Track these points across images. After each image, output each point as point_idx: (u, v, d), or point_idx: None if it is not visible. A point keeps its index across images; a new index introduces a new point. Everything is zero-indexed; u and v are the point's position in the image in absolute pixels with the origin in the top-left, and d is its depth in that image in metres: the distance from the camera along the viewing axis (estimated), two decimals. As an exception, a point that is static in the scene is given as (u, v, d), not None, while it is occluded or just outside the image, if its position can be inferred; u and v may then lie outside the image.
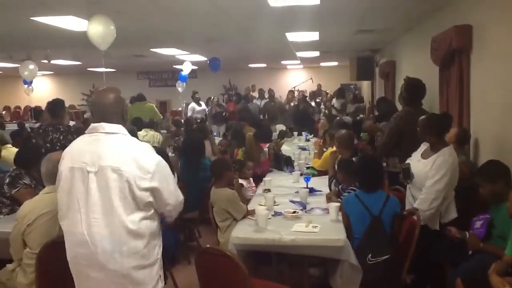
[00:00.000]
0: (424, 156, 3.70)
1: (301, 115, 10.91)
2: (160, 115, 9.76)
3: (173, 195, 2.45)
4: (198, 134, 6.82)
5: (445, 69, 5.17)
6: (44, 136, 5.29)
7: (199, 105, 12.04)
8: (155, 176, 2.32)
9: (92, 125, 2.39)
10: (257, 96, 12.60)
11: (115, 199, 2.26)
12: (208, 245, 3.00)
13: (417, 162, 3.72)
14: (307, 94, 13.97)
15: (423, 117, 3.83)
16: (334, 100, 11.23)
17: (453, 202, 3.57)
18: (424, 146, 3.79)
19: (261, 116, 10.81)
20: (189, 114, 11.87)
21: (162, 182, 2.35)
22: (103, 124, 2.35)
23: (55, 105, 5.56)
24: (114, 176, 2.25)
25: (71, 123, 8.65)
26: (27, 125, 10.18)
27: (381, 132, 5.45)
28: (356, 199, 3.40)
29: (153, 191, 2.32)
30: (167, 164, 2.46)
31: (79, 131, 5.27)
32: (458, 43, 4.57)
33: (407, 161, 3.88)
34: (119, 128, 2.37)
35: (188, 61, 11.79)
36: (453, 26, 4.64)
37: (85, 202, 2.28)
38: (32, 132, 5.98)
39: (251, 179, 5.06)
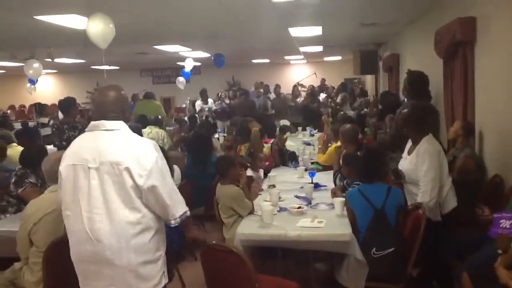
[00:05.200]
0: (410, 152, 3.71)
1: (311, 109, 10.88)
2: (165, 113, 9.73)
3: (172, 193, 2.39)
4: (204, 130, 6.84)
5: (449, 62, 5.13)
6: (60, 134, 5.34)
7: (206, 102, 11.93)
8: (153, 173, 2.30)
9: (92, 122, 2.40)
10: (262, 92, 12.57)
11: (117, 194, 2.27)
12: (214, 241, 3.01)
13: (404, 161, 3.75)
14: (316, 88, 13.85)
15: (402, 111, 3.81)
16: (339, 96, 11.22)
17: (452, 190, 3.55)
18: (409, 143, 3.79)
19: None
20: (197, 109, 11.76)
21: (159, 180, 2.33)
22: (103, 121, 2.36)
23: (67, 103, 5.66)
24: (115, 171, 2.26)
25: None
26: (31, 123, 10.21)
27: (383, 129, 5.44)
28: (358, 193, 3.38)
29: (150, 188, 2.30)
30: (165, 163, 2.44)
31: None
32: (462, 35, 4.53)
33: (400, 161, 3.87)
34: (120, 125, 2.37)
35: (190, 57, 11.68)
36: (457, 18, 4.61)
37: (87, 199, 2.29)
38: (53, 129, 6.04)
39: (261, 170, 5.08)
